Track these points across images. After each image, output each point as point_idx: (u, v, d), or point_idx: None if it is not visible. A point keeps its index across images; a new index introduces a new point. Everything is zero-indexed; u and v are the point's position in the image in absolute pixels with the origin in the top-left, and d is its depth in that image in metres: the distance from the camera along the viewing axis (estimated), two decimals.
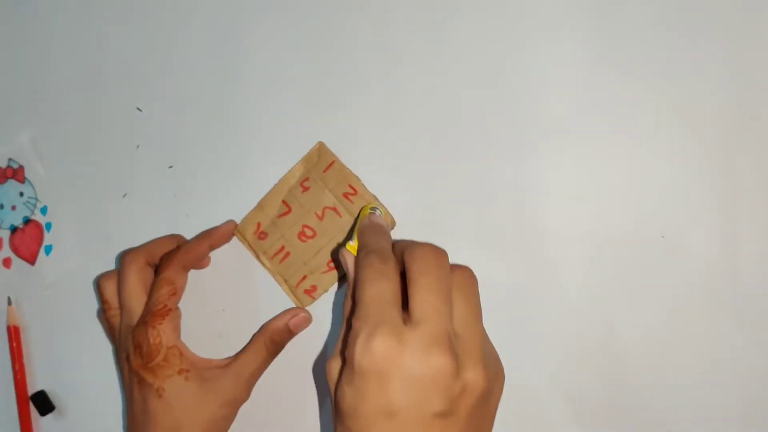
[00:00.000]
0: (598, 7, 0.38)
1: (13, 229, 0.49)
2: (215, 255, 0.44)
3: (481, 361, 0.30)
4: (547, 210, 0.39)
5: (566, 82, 0.38)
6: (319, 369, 0.42)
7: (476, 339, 0.31)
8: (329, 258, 0.41)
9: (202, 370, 0.39)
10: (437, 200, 0.40)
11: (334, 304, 0.42)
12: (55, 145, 0.48)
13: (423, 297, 0.30)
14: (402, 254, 0.32)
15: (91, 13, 0.47)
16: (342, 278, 0.42)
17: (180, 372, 0.39)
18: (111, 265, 0.46)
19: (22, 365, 0.47)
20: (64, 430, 0.47)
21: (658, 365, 0.38)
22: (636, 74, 0.38)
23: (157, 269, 0.41)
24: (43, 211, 0.48)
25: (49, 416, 0.47)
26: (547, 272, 0.39)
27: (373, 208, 0.39)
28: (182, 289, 0.41)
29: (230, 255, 0.44)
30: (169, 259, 0.41)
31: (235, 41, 0.43)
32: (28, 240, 0.48)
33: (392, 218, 0.40)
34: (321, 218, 0.41)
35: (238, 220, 0.43)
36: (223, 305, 0.44)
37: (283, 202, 0.42)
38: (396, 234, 0.40)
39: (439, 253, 0.32)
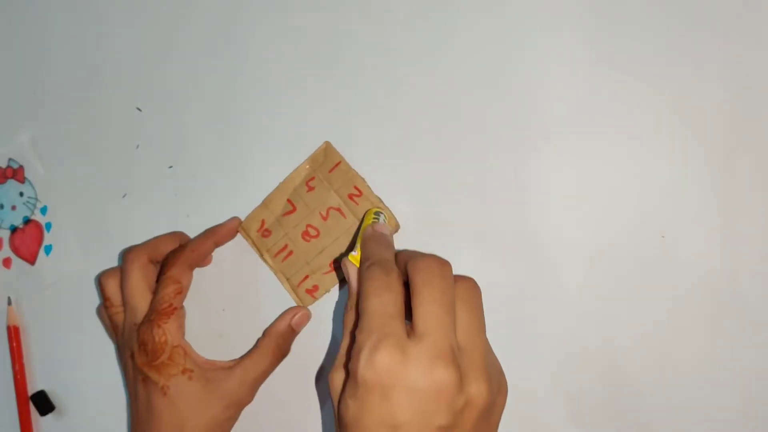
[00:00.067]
0: (598, 7, 0.38)
1: (13, 229, 0.49)
2: (216, 253, 0.44)
3: (484, 374, 0.30)
4: (547, 210, 0.39)
5: (566, 82, 0.38)
6: (320, 372, 0.42)
7: (480, 352, 0.30)
8: (332, 259, 0.41)
9: (206, 371, 0.39)
10: (437, 200, 0.40)
11: (337, 305, 0.42)
12: (55, 145, 0.48)
13: (427, 309, 0.30)
14: (405, 265, 0.32)
15: (91, 13, 0.47)
16: (343, 280, 0.42)
17: (184, 371, 0.39)
18: (111, 265, 0.46)
19: (22, 365, 0.47)
20: (64, 430, 0.47)
21: (658, 365, 0.38)
22: (636, 74, 0.38)
23: (162, 267, 0.41)
24: (43, 211, 0.48)
25: (49, 416, 0.47)
26: (547, 272, 0.39)
27: (378, 213, 0.39)
28: (187, 287, 0.41)
29: (231, 254, 0.44)
30: (175, 258, 0.41)
31: (235, 41, 0.43)
32: (28, 240, 0.48)
33: (396, 222, 0.40)
34: (325, 218, 0.41)
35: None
36: (223, 305, 0.44)
37: (288, 200, 0.42)
38: (397, 234, 0.40)
39: (443, 264, 0.32)
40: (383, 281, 0.31)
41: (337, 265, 0.41)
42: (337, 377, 0.32)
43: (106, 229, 0.46)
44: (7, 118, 0.49)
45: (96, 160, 0.47)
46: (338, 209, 0.41)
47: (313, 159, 0.42)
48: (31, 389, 0.47)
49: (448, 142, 0.40)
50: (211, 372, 0.40)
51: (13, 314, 0.48)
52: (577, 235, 0.38)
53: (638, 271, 0.38)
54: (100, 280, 0.42)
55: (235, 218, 0.43)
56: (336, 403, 0.31)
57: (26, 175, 0.48)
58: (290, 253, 0.42)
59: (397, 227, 0.40)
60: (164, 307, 0.39)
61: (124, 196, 0.46)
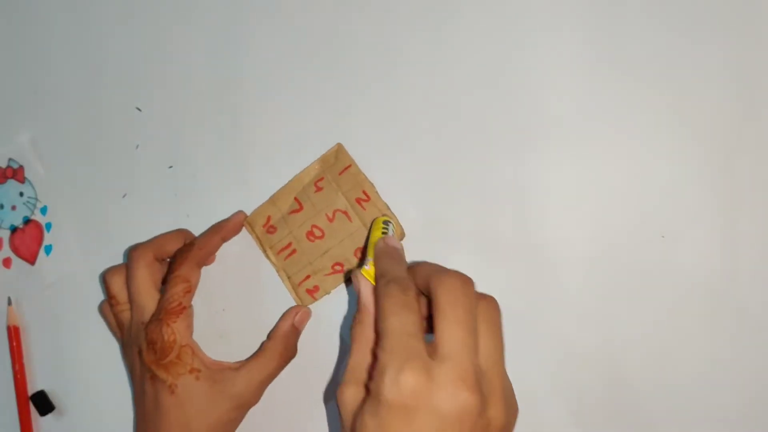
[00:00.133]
0: (598, 7, 0.38)
1: (13, 229, 0.49)
2: (219, 252, 0.44)
3: (503, 398, 0.30)
4: (547, 210, 0.39)
5: (566, 82, 0.38)
6: (330, 389, 0.42)
7: (500, 375, 0.31)
8: (334, 261, 0.41)
9: (213, 372, 0.40)
10: (437, 200, 0.40)
11: (338, 307, 0.42)
12: (55, 145, 0.48)
13: (452, 331, 0.30)
14: (427, 280, 0.32)
15: (91, 13, 0.47)
16: (348, 281, 0.41)
17: (192, 371, 0.39)
18: (111, 265, 0.45)
19: (22, 365, 0.47)
20: (64, 430, 0.47)
21: (658, 365, 0.38)
22: (636, 74, 0.38)
23: (171, 266, 0.41)
24: (43, 211, 0.48)
25: (49, 416, 0.47)
26: (547, 272, 0.39)
27: (386, 223, 0.38)
28: (196, 286, 0.41)
29: (233, 252, 0.44)
30: (183, 257, 0.41)
31: (236, 41, 0.43)
32: (28, 240, 0.48)
33: (402, 229, 0.40)
34: (331, 220, 0.41)
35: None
36: (223, 304, 0.44)
37: (296, 199, 0.42)
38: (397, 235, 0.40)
39: (466, 282, 0.31)
40: (402, 300, 0.31)
41: (341, 268, 0.41)
42: (350, 393, 0.31)
43: (106, 229, 0.46)
44: (7, 118, 0.49)
45: (96, 160, 0.47)
46: (345, 212, 0.41)
47: (323, 159, 0.42)
48: (31, 389, 0.47)
49: (448, 142, 0.40)
50: (219, 373, 0.40)
51: (13, 314, 0.48)
52: (577, 236, 0.38)
53: (638, 271, 0.38)
54: (105, 278, 0.42)
55: (240, 212, 0.43)
56: (350, 420, 0.31)
57: (26, 175, 0.48)
58: (293, 251, 0.42)
59: (402, 235, 0.40)
60: (173, 306, 0.39)
61: (124, 196, 0.46)
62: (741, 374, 0.37)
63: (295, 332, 0.41)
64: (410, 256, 0.39)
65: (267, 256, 0.42)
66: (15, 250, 0.48)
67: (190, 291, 0.40)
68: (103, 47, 0.46)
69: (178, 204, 0.45)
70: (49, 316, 0.48)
